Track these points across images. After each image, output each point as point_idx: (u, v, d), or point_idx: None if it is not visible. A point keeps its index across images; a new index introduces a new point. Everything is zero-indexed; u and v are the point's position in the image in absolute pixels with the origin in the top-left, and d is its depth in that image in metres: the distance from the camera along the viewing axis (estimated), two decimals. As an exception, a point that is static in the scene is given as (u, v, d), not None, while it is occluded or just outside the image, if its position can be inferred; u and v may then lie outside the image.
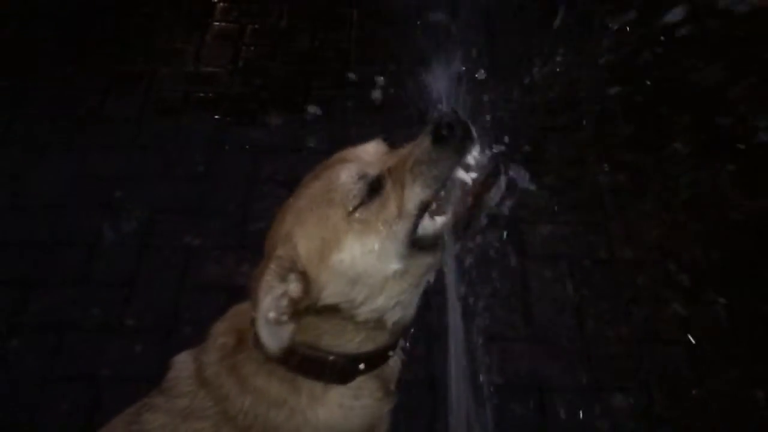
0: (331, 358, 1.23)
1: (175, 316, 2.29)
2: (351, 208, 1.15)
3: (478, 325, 2.31)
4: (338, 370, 1.25)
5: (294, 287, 1.13)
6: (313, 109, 3.02)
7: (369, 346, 1.26)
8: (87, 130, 2.91)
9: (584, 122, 2.98)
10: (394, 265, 1.17)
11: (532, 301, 2.41)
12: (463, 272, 2.49)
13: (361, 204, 1.15)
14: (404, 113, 3.00)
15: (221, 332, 1.34)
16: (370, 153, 1.25)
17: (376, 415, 1.36)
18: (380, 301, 1.19)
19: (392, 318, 1.24)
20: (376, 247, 1.16)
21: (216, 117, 2.99)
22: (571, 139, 2.92)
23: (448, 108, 1.30)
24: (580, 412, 2.15)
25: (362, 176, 1.17)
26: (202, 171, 2.75)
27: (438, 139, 1.19)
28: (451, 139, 1.19)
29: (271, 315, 1.11)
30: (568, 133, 2.95)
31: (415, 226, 1.18)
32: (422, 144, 1.18)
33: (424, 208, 1.18)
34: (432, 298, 2.41)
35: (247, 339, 1.24)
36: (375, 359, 1.29)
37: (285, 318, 1.12)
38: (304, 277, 1.14)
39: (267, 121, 2.98)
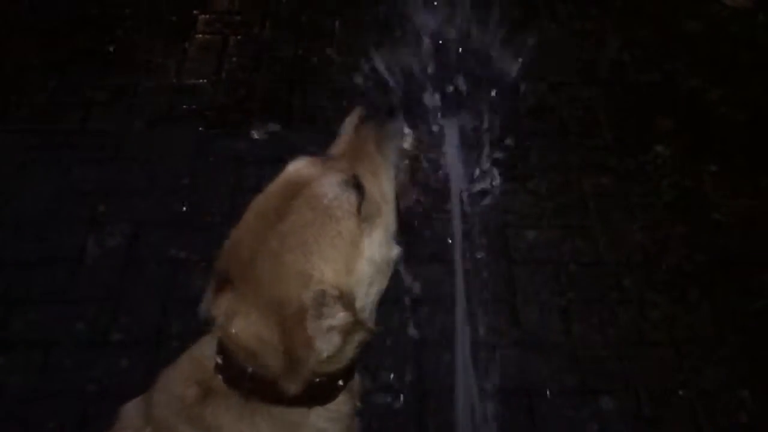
0: (318, 379, 1.18)
1: (162, 330, 2.28)
2: (356, 212, 1.16)
3: (465, 331, 2.32)
4: (324, 390, 1.21)
5: (342, 317, 1.09)
6: (297, 119, 3.03)
7: (351, 356, 1.22)
8: (70, 144, 2.90)
9: (567, 127, 3.00)
10: (395, 249, 1.24)
11: (518, 305, 2.42)
12: (450, 278, 2.51)
13: (359, 205, 1.17)
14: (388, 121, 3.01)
15: (175, 382, 1.23)
16: (311, 166, 1.24)
17: None
18: (376, 297, 1.22)
19: (371, 318, 1.24)
20: (383, 237, 1.22)
21: (200, 129, 2.99)
22: (554, 145, 2.94)
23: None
24: (569, 415, 2.16)
25: (341, 181, 1.18)
26: (187, 183, 2.74)
27: (384, 119, 1.30)
28: (389, 115, 1.32)
29: (325, 355, 1.08)
30: (552, 139, 2.97)
31: (398, 204, 1.25)
32: (368, 131, 1.27)
33: (396, 186, 1.26)
34: (420, 307, 2.43)
35: (214, 390, 1.17)
36: (350, 372, 1.25)
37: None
38: (345, 300, 1.10)
39: (251, 132, 2.98)
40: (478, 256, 2.52)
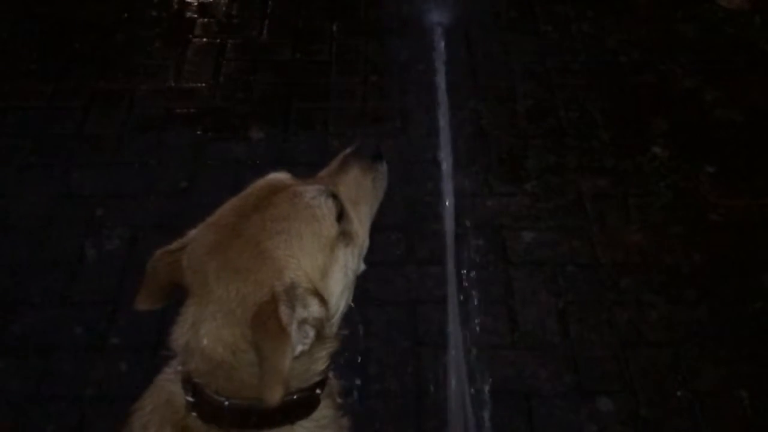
0: (295, 396, 1.13)
1: (160, 334, 2.26)
2: (335, 220, 1.16)
3: (463, 332, 2.32)
4: (304, 403, 1.16)
5: (315, 310, 1.05)
6: (294, 122, 3.03)
7: (322, 368, 1.18)
8: (68, 149, 2.90)
9: (564, 129, 3.01)
10: (363, 266, 1.26)
11: (516, 307, 2.42)
12: (447, 280, 2.52)
13: (339, 215, 1.18)
14: (385, 124, 3.03)
15: (148, 428, 1.16)
16: (292, 177, 1.25)
17: None
18: (342, 311, 1.19)
19: (339, 323, 1.22)
20: (358, 253, 1.22)
21: (198, 132, 2.99)
22: (551, 146, 2.94)
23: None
24: (567, 417, 2.16)
25: (324, 190, 1.19)
26: (185, 187, 2.75)
27: (371, 158, 1.35)
28: (376, 157, 1.36)
29: (299, 349, 1.03)
30: (549, 140, 2.97)
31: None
32: (353, 164, 1.32)
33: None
34: (417, 308, 2.43)
35: (191, 429, 1.12)
36: (325, 379, 1.21)
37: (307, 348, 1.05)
38: (320, 298, 1.08)
39: (249, 135, 2.99)
40: (475, 258, 2.53)
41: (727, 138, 2.98)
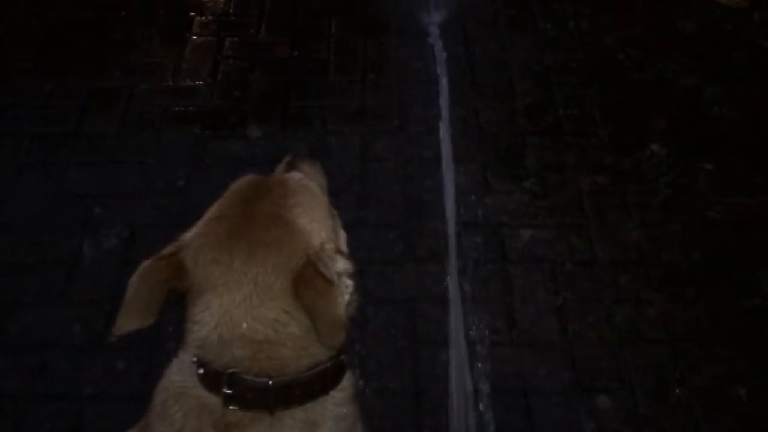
0: (328, 363, 1.16)
1: (158, 332, 2.27)
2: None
3: (461, 330, 2.32)
4: (336, 370, 1.19)
5: (342, 264, 1.13)
6: (292, 120, 3.03)
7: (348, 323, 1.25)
8: (65, 147, 2.89)
9: (562, 126, 3.01)
10: None
11: (515, 304, 2.42)
12: (446, 278, 2.52)
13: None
14: (383, 122, 3.03)
15: None
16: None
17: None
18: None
19: None
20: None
21: (196, 130, 2.99)
22: (550, 143, 2.94)
23: None
24: (565, 414, 2.16)
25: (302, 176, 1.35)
26: (183, 185, 2.75)
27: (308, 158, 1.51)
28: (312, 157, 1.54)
29: (345, 299, 1.11)
30: (548, 138, 2.97)
31: None
32: (298, 163, 1.46)
33: None
34: (416, 306, 2.43)
35: (234, 424, 1.09)
36: (345, 345, 1.22)
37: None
38: (343, 254, 1.16)
39: (247, 133, 2.99)
40: (474, 256, 2.53)
41: (726, 135, 2.98)
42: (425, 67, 3.24)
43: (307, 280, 1.06)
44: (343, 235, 1.27)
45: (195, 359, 1.12)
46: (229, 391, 1.08)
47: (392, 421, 2.15)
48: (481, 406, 2.15)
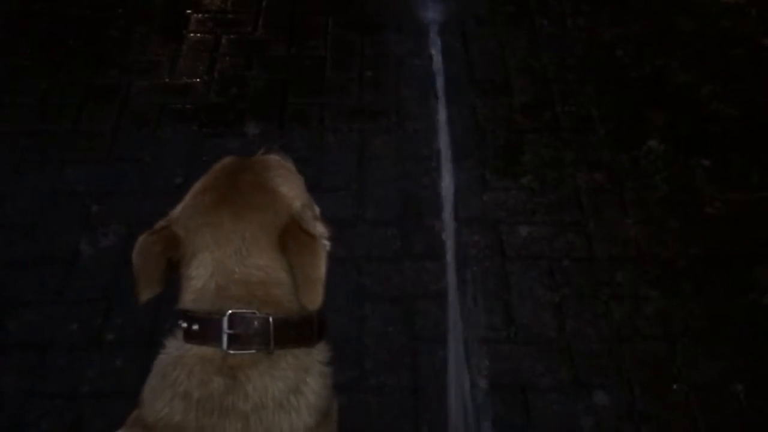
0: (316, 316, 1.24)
1: (156, 330, 2.27)
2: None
3: (459, 327, 2.32)
4: (323, 323, 1.23)
5: (321, 227, 1.23)
6: (290, 117, 3.03)
7: None
8: (62, 145, 2.89)
9: (560, 123, 3.00)
10: None
11: (512, 301, 2.42)
12: (444, 274, 2.52)
13: None
14: (381, 119, 3.02)
15: (188, 387, 1.12)
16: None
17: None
18: None
19: None
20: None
21: (193, 128, 2.99)
22: (547, 140, 2.94)
23: None
24: (563, 410, 2.16)
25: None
26: (180, 183, 2.74)
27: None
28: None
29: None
30: (545, 134, 2.97)
31: None
32: (271, 153, 1.46)
33: None
34: (413, 303, 2.43)
35: (236, 366, 1.12)
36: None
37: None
38: (321, 219, 1.27)
39: (245, 130, 2.98)
40: (471, 253, 2.53)
41: (723, 132, 2.98)
42: (423, 65, 3.24)
43: (292, 234, 1.14)
44: (317, 208, 1.33)
45: (185, 324, 1.16)
46: (230, 331, 1.11)
47: (390, 418, 2.15)
48: (478, 403, 2.15)
